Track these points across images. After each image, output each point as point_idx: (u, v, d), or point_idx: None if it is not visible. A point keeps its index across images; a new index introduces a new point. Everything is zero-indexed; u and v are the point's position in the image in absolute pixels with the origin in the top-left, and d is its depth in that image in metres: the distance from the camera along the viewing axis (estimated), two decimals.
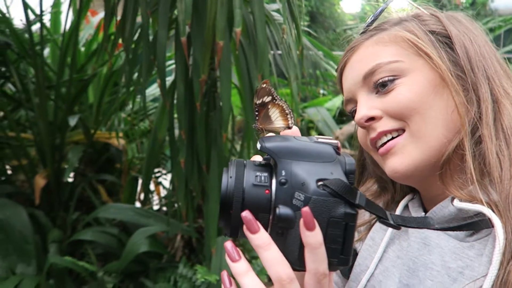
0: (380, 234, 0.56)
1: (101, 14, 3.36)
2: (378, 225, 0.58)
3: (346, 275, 0.58)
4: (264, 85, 0.44)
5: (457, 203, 0.46)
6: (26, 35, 2.30)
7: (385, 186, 0.60)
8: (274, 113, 0.44)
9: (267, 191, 0.37)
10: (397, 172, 0.50)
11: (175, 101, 1.66)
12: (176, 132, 1.76)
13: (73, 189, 2.44)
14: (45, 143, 2.30)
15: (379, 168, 0.57)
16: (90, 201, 2.50)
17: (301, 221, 0.34)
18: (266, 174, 0.38)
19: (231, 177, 0.37)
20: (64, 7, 2.98)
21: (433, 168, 0.49)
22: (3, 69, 2.33)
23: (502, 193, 0.44)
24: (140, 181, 2.75)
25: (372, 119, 0.52)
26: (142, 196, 2.84)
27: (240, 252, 0.37)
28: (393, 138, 0.51)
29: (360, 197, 0.36)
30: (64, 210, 2.35)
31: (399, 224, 0.40)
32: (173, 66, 1.97)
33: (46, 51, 2.92)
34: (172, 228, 1.96)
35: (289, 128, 0.44)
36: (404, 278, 0.49)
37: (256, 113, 0.45)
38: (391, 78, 0.50)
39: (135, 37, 1.69)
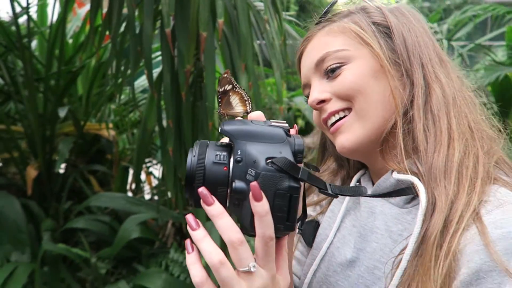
0: (338, 207, 0.62)
1: (88, 6, 3.36)
2: (336, 200, 0.64)
3: (310, 244, 0.64)
4: (225, 75, 0.50)
5: (395, 175, 0.52)
6: (13, 28, 2.32)
7: (341, 163, 0.67)
8: (235, 100, 0.50)
9: (225, 168, 0.43)
10: (344, 147, 0.57)
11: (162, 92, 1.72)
12: (165, 122, 1.82)
13: (64, 180, 2.48)
14: (35, 135, 2.33)
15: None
16: (82, 191, 2.54)
17: (250, 193, 0.40)
18: (225, 153, 0.43)
19: (194, 156, 0.43)
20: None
21: (375, 145, 0.56)
22: None
23: (426, 165, 0.50)
24: (131, 172, 2.80)
25: (322, 101, 0.58)
26: (133, 186, 2.90)
27: (199, 222, 0.42)
28: (341, 118, 0.57)
29: (302, 172, 0.42)
30: (56, 200, 2.39)
31: (336, 193, 0.46)
32: (160, 58, 2.02)
33: (34, 44, 2.93)
34: (162, 215, 2.01)
35: (247, 113, 0.50)
36: (357, 243, 0.56)
37: (219, 100, 0.50)
38: (338, 64, 0.56)
39: (122, 29, 1.72)
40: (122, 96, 2.95)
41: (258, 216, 0.40)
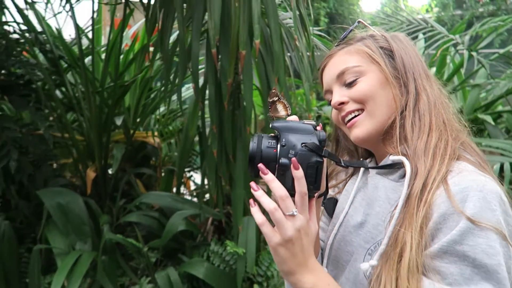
0: (351, 187, 0.83)
1: (135, 26, 3.72)
2: (350, 182, 0.84)
3: (331, 215, 0.85)
4: (274, 90, 0.72)
5: (391, 157, 0.72)
6: (73, 48, 2.66)
7: (352, 154, 0.87)
8: (280, 107, 0.73)
9: (274, 150, 0.65)
10: (358, 138, 0.76)
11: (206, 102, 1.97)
12: (206, 130, 2.08)
13: (116, 182, 2.78)
14: (94, 142, 2.65)
15: (348, 141, 0.83)
16: (129, 193, 2.85)
17: (292, 165, 0.62)
18: (274, 141, 0.65)
19: (254, 143, 0.65)
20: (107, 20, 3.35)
21: (379, 136, 0.75)
22: (55, 78, 2.69)
23: (411, 148, 0.70)
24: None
25: (342, 103, 0.78)
26: (174, 190, 3.17)
27: (259, 186, 0.64)
28: (355, 116, 0.77)
29: (324, 152, 0.63)
30: (109, 200, 2.70)
31: (346, 165, 0.68)
32: (202, 70, 2.28)
33: (87, 60, 3.29)
34: (204, 211, 2.26)
35: (288, 115, 0.72)
36: (365, 210, 0.76)
37: (269, 107, 0.73)
38: (355, 77, 0.76)
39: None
40: (163, 108, 3.26)
41: (297, 179, 0.61)
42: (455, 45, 2.55)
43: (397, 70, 0.76)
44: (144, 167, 3.08)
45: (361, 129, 0.76)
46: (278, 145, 0.64)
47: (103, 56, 3.09)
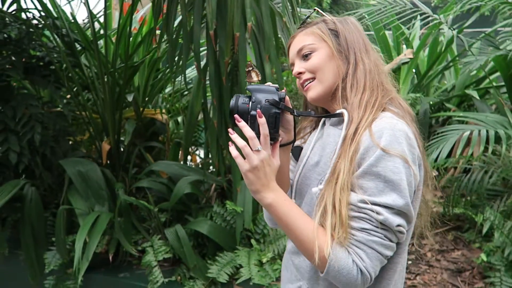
0: (313, 137, 1.07)
1: (142, 11, 3.95)
2: (312, 134, 1.09)
3: (297, 159, 1.10)
4: (249, 62, 0.97)
5: (338, 111, 0.97)
6: (86, 32, 2.90)
7: (305, 118, 1.13)
8: (253, 75, 0.97)
9: (247, 105, 0.89)
10: (311, 98, 1.00)
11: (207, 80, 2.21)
12: (208, 103, 2.32)
13: (128, 154, 3.06)
14: (108, 118, 2.91)
15: (310, 104, 1.08)
16: (140, 165, 3.13)
17: (257, 115, 0.86)
18: (247, 99, 0.90)
19: (233, 100, 0.90)
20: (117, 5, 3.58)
21: (328, 96, 0.99)
22: (71, 60, 2.94)
23: (349, 103, 0.94)
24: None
25: (300, 73, 1.01)
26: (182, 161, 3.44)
27: (234, 131, 0.89)
28: (310, 82, 1.02)
29: (281, 105, 0.88)
30: (123, 170, 2.98)
31: (298, 114, 0.94)
32: (205, 52, 2.51)
33: (99, 43, 3.53)
34: (208, 178, 2.53)
35: (259, 81, 0.97)
36: (320, 152, 1.00)
37: (246, 75, 0.98)
38: (309, 52, 0.99)
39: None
40: (170, 88, 3.51)
41: (261, 125, 0.86)
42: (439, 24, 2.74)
43: (341, 46, 1.00)
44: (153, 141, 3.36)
45: (313, 91, 1.00)
46: (250, 102, 0.89)
47: (114, 39, 3.33)
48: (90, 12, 2.74)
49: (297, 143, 1.12)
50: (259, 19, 1.96)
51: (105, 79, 2.86)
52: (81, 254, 2.15)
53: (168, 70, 2.53)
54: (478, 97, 3.30)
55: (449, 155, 2.81)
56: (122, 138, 3.10)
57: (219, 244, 2.33)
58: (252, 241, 2.31)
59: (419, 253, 2.59)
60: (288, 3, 2.02)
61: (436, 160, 2.36)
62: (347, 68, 0.98)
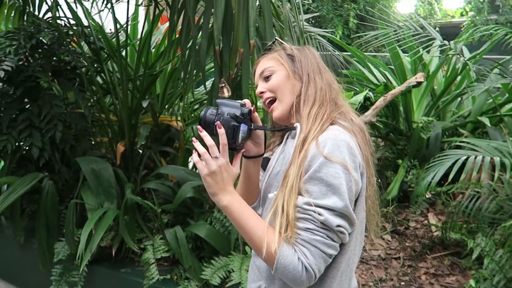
0: (278, 150, 1.17)
1: (168, 23, 4.16)
2: (278, 148, 1.19)
3: (264, 169, 1.20)
4: (222, 79, 1.09)
5: (294, 125, 1.07)
6: (113, 41, 3.12)
7: (275, 133, 1.23)
8: (225, 90, 1.09)
9: (214, 117, 1.00)
10: (275, 118, 1.10)
11: None
12: None
13: (142, 157, 3.24)
14: (125, 122, 3.10)
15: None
16: (154, 169, 3.29)
17: (217, 126, 0.98)
18: (215, 111, 1.01)
19: (203, 111, 1.02)
20: (141, 17, 3.81)
21: (288, 114, 1.09)
22: (96, 65, 3.16)
23: (301, 115, 1.04)
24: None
25: (262, 92, 1.12)
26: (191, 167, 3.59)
27: (197, 141, 1.00)
28: (270, 102, 1.11)
29: (239, 119, 0.99)
30: (135, 172, 3.15)
31: (254, 128, 1.04)
32: None
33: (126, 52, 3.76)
34: None
35: (230, 96, 1.08)
36: (281, 162, 1.10)
37: (219, 90, 1.10)
38: (269, 74, 1.11)
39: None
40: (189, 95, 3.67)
41: (220, 135, 0.96)
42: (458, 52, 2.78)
43: (296, 68, 1.11)
44: (168, 147, 3.52)
45: (276, 112, 1.11)
46: (216, 114, 1.01)
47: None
48: (115, 22, 2.95)
49: (266, 155, 1.23)
50: (263, 36, 2.08)
51: (126, 85, 3.06)
52: (86, 246, 2.31)
53: (180, 80, 2.68)
54: (489, 124, 3.29)
55: (456, 179, 2.82)
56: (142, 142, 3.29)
57: (216, 248, 2.44)
58: (247, 248, 2.40)
59: (413, 275, 2.60)
60: (291, 24, 2.14)
61: (430, 183, 2.39)
62: (301, 87, 1.09)
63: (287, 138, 1.16)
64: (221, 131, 0.96)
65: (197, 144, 0.98)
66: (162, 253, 2.37)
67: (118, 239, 2.56)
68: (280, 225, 0.92)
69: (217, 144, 0.97)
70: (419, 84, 3.28)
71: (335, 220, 0.90)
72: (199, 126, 0.99)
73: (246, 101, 1.06)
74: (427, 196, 3.13)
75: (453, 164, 2.34)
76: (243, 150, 1.07)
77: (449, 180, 2.44)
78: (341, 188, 0.91)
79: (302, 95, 1.07)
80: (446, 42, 2.83)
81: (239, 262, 2.30)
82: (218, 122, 0.97)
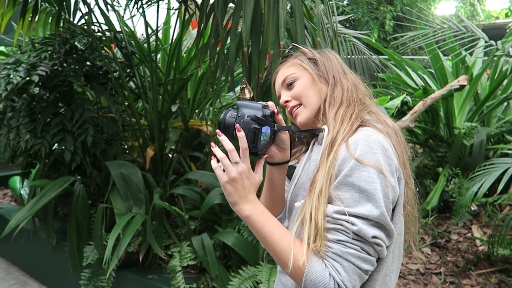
0: (304, 158, 1.08)
1: None
2: (305, 156, 1.09)
3: (290, 178, 1.11)
4: (243, 80, 1.01)
5: (322, 127, 0.97)
6: (145, 45, 3.13)
7: (301, 140, 1.14)
8: (246, 91, 1.01)
9: (234, 119, 0.92)
10: (300, 123, 1.02)
11: None
12: None
13: (171, 162, 3.22)
14: (155, 127, 3.09)
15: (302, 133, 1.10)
16: (184, 174, 3.26)
17: (236, 129, 0.89)
18: (235, 113, 0.93)
19: (223, 114, 0.94)
20: (173, 22, 3.82)
21: (313, 118, 1.00)
22: (128, 70, 3.18)
23: (327, 117, 0.94)
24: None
25: (287, 101, 1.04)
26: None
27: (216, 145, 0.92)
28: (296, 108, 1.02)
29: (262, 121, 0.90)
30: (165, 176, 3.13)
31: (278, 129, 0.95)
32: None
33: (158, 57, 3.78)
34: None
35: (252, 97, 1.00)
36: (307, 170, 1.01)
37: (240, 92, 1.02)
38: (292, 81, 1.03)
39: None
40: (224, 101, 3.64)
41: (239, 138, 0.88)
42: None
43: (321, 71, 1.03)
44: (198, 152, 3.49)
45: (300, 116, 1.03)
46: (237, 116, 0.93)
47: None
48: (146, 27, 2.95)
49: (292, 163, 1.14)
50: (294, 38, 1.99)
51: (156, 90, 3.05)
52: (113, 251, 2.29)
53: (210, 85, 2.64)
54: None
55: (503, 190, 2.60)
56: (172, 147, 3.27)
57: (244, 258, 2.35)
58: None
59: None
60: (324, 25, 2.04)
61: (476, 193, 2.20)
62: (327, 89, 1.01)
63: (313, 144, 1.07)
64: (241, 135, 0.88)
65: (215, 149, 0.90)
66: (188, 261, 2.32)
67: (145, 245, 2.53)
68: (308, 236, 0.83)
69: (237, 149, 0.89)
70: (461, 87, 3.08)
71: (370, 231, 0.80)
72: (217, 130, 0.91)
73: (270, 103, 0.98)
74: (472, 208, 2.92)
75: (502, 173, 2.15)
76: (266, 155, 0.99)
77: (498, 191, 2.24)
78: (376, 194, 0.81)
79: (328, 98, 0.99)
80: (492, 42, 2.63)
81: (267, 273, 2.20)
82: (237, 124, 0.89)
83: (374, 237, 0.80)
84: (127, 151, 3.56)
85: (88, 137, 2.74)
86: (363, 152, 0.83)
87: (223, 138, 0.90)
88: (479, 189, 2.16)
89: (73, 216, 2.73)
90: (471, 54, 3.68)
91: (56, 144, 2.95)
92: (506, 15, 10.61)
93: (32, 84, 2.71)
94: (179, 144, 3.43)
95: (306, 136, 1.13)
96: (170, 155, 3.40)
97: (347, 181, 0.83)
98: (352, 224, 0.80)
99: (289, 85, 1.04)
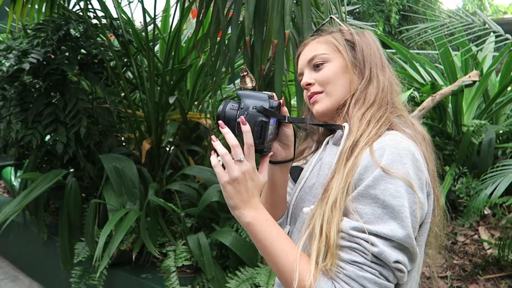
0: (314, 158, 0.95)
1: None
2: (314, 155, 0.97)
3: (295, 181, 0.98)
4: (244, 67, 0.88)
5: (342, 125, 0.85)
6: (143, 34, 2.99)
7: (311, 135, 1.01)
8: (247, 80, 0.88)
9: (235, 112, 0.80)
10: (317, 112, 0.89)
11: None
12: None
13: (168, 156, 3.10)
14: (152, 119, 2.97)
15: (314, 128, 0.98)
16: (181, 168, 3.14)
17: (240, 122, 0.77)
18: (236, 104, 0.81)
19: (221, 105, 0.82)
20: (173, 10, 3.67)
21: (334, 111, 0.88)
22: (125, 59, 3.05)
23: (351, 117, 0.82)
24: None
25: (309, 84, 0.91)
26: None
27: (217, 138, 0.80)
28: (317, 94, 0.90)
29: (270, 113, 0.78)
30: (161, 171, 3.01)
31: (289, 121, 0.82)
32: None
33: (157, 47, 3.64)
34: None
35: (254, 87, 0.88)
36: (317, 172, 0.88)
37: (240, 80, 0.89)
38: (321, 62, 0.89)
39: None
40: (224, 92, 3.50)
41: (244, 133, 0.76)
42: None
43: (357, 59, 0.89)
44: (197, 146, 3.37)
45: (320, 105, 0.90)
46: (239, 108, 0.80)
47: None
48: (144, 14, 2.81)
49: (298, 163, 1.01)
50: (301, 27, 1.86)
51: (154, 80, 2.92)
52: (105, 248, 2.18)
53: (210, 76, 2.51)
54: None
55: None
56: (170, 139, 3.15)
57: (242, 258, 2.24)
58: None
59: None
60: (332, 14, 1.90)
61: (490, 196, 2.08)
62: (359, 83, 0.87)
63: (327, 143, 0.94)
64: (246, 128, 0.76)
65: (216, 143, 0.77)
66: (183, 261, 2.21)
67: (139, 242, 2.42)
68: (317, 252, 0.71)
69: (241, 145, 0.77)
70: (473, 83, 2.95)
71: (392, 254, 0.68)
72: (220, 122, 0.79)
73: (273, 94, 0.85)
74: (485, 212, 2.80)
75: None
76: (272, 153, 0.86)
77: None
78: (402, 211, 0.69)
79: (357, 93, 0.86)
80: (508, 36, 2.49)
81: (266, 276, 2.09)
82: (242, 117, 0.77)
83: (396, 261, 0.69)
84: (123, 143, 3.44)
85: (82, 129, 2.62)
86: (390, 160, 0.71)
87: (226, 131, 0.77)
88: (493, 191, 2.04)
89: (65, 211, 2.62)
90: (481, 48, 3.54)
91: (48, 136, 2.83)
92: None
93: (23, 72, 2.58)
94: (176, 137, 3.30)
95: (318, 132, 1.00)
96: (167, 149, 3.28)
97: (369, 193, 0.71)
98: (372, 244, 0.68)
99: (316, 66, 0.90)
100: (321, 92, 0.90)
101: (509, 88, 3.63)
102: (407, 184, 0.70)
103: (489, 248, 2.67)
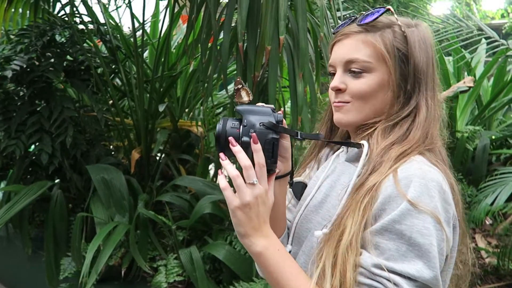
0: (321, 174, 0.88)
1: None
2: (320, 169, 0.90)
3: (298, 198, 0.91)
4: (238, 79, 0.81)
5: (361, 142, 0.76)
6: (131, 40, 2.91)
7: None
8: (243, 93, 0.80)
9: (237, 130, 0.72)
10: (339, 122, 0.80)
11: None
12: None
13: (159, 165, 3.00)
14: (141, 127, 2.87)
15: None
16: (172, 178, 3.05)
17: (251, 140, 0.70)
18: (237, 122, 0.73)
19: (220, 124, 0.74)
20: (162, 16, 3.60)
21: (357, 126, 0.79)
22: (113, 66, 2.95)
23: (375, 140, 0.73)
24: (212, 164, 3.25)
25: (339, 89, 0.79)
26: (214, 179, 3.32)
27: (226, 157, 0.72)
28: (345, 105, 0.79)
29: (280, 128, 0.71)
30: (151, 181, 2.91)
31: (303, 138, 0.74)
32: None
33: (146, 53, 3.55)
34: None
35: (250, 101, 0.80)
36: (327, 191, 0.81)
37: (235, 94, 0.81)
38: (361, 70, 0.77)
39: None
40: (215, 100, 3.43)
41: (255, 152, 0.68)
42: None
43: (403, 76, 0.77)
44: (188, 155, 3.28)
45: (344, 116, 0.80)
46: (241, 126, 0.72)
47: None
48: (133, 20, 2.73)
49: (299, 179, 0.94)
50: (295, 32, 1.80)
51: (144, 88, 2.83)
52: (93, 264, 2.08)
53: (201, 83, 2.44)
54: None
55: (509, 198, 2.45)
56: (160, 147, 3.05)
57: (236, 272, 2.16)
58: None
59: None
60: (327, 21, 1.85)
61: (492, 204, 2.04)
62: (401, 108, 0.76)
63: (337, 157, 0.86)
64: (258, 147, 0.68)
65: (226, 163, 0.69)
66: (175, 276, 2.12)
67: (128, 257, 2.32)
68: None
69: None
70: (468, 89, 2.92)
71: None
72: (231, 138, 0.70)
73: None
74: (487, 222, 2.75)
75: None
76: (278, 171, 0.78)
77: None
78: (431, 251, 0.62)
79: (393, 123, 0.75)
80: (503, 41, 2.46)
81: None
82: (254, 134, 0.69)
83: None
84: (112, 152, 3.33)
85: (68, 138, 2.52)
86: (418, 193, 0.64)
87: (237, 150, 0.69)
88: (494, 200, 1.99)
89: (51, 224, 2.51)
90: (474, 54, 3.52)
91: (32, 146, 2.72)
92: (502, 16, 10.51)
93: (6, 79, 2.47)
94: (167, 145, 3.21)
95: (322, 145, 0.93)
96: (157, 158, 3.19)
97: (394, 228, 0.64)
98: (395, 284, 0.62)
99: (353, 72, 0.77)
100: (349, 102, 0.79)
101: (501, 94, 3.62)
102: (436, 220, 0.63)
103: (487, 257, 2.62)
